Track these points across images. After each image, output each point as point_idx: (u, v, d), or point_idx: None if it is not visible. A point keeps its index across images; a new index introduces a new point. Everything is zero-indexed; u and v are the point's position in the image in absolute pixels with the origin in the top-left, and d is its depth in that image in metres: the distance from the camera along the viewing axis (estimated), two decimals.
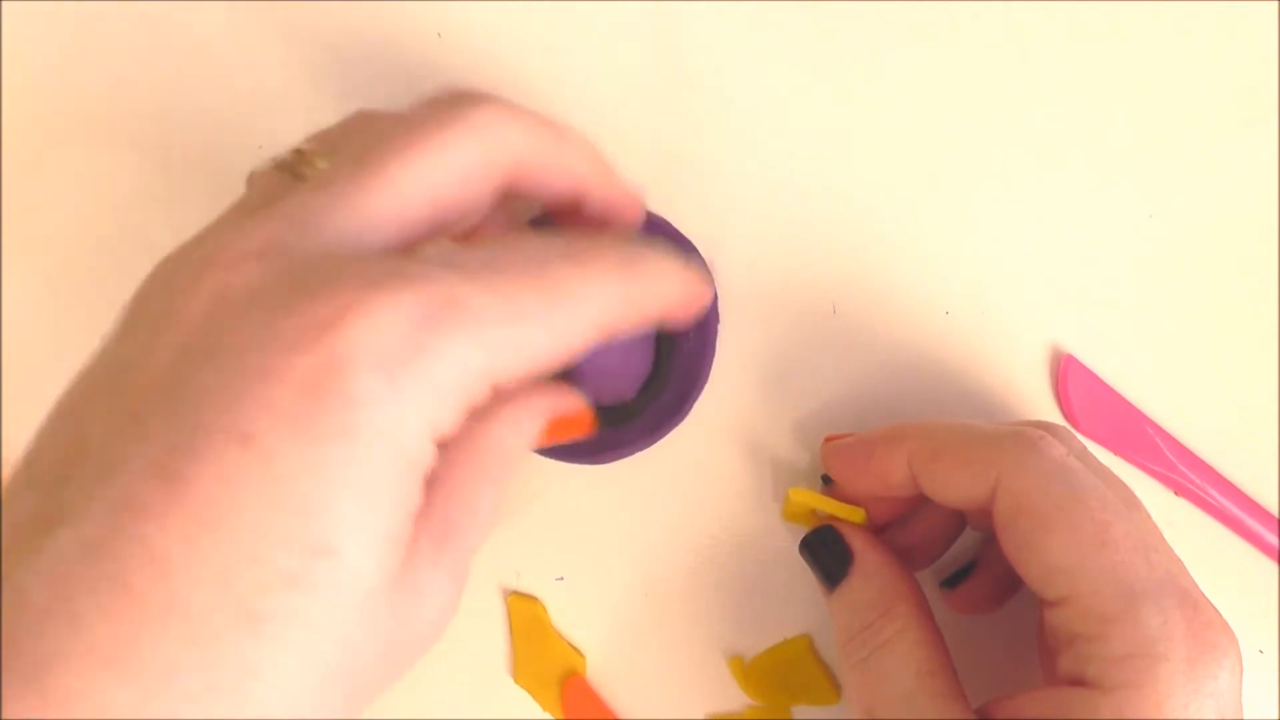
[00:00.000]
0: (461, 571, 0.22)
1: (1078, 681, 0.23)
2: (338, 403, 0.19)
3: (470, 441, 0.22)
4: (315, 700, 0.20)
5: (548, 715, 0.33)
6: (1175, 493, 0.32)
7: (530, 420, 0.24)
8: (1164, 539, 0.25)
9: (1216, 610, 0.24)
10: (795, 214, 0.32)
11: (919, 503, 0.29)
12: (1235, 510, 0.31)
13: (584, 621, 0.33)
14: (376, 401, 0.19)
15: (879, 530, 0.30)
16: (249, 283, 0.20)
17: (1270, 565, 0.32)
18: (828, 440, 0.30)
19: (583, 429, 0.26)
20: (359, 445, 0.19)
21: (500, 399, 0.23)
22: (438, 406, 0.20)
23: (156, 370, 0.20)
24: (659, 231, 0.32)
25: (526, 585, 0.33)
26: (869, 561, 0.27)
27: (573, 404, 0.25)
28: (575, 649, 0.33)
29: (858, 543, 0.28)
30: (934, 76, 0.32)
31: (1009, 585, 0.29)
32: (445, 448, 0.22)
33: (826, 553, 0.28)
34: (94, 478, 0.19)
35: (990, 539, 0.30)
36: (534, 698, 0.33)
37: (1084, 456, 0.26)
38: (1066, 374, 0.31)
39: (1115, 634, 0.23)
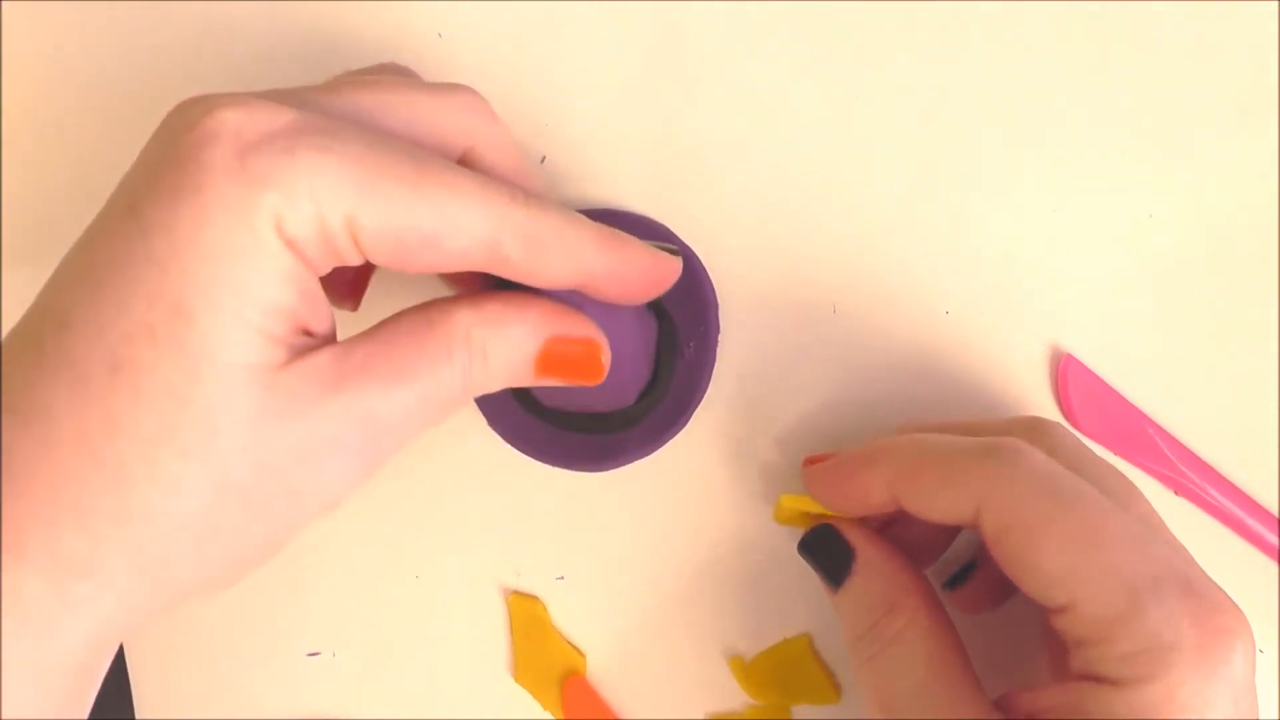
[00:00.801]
0: (370, 428, 0.22)
1: (1090, 678, 0.23)
2: (192, 169, 0.20)
3: (426, 315, 0.23)
4: (184, 487, 0.20)
5: (548, 715, 0.33)
6: (1175, 493, 0.32)
7: (521, 329, 0.24)
8: (1166, 528, 0.25)
9: (1224, 594, 0.23)
10: (795, 215, 0.32)
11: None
12: (1235, 510, 0.31)
13: (584, 621, 0.33)
14: (223, 170, 0.20)
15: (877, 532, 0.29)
16: (203, 98, 0.22)
17: (1270, 565, 0.32)
18: (807, 463, 0.29)
19: (590, 365, 0.24)
20: (207, 208, 0.20)
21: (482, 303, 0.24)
22: (283, 201, 0.20)
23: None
24: (656, 239, 0.32)
25: (527, 585, 0.33)
26: (871, 557, 0.27)
27: (578, 328, 0.25)
28: (575, 648, 0.33)
29: (858, 539, 0.27)
30: (934, 76, 0.32)
31: (1010, 584, 0.29)
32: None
33: (826, 553, 0.27)
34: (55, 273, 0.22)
35: None
36: (534, 697, 0.33)
37: (1075, 451, 0.26)
38: (1066, 374, 0.31)
39: (1121, 634, 0.22)
